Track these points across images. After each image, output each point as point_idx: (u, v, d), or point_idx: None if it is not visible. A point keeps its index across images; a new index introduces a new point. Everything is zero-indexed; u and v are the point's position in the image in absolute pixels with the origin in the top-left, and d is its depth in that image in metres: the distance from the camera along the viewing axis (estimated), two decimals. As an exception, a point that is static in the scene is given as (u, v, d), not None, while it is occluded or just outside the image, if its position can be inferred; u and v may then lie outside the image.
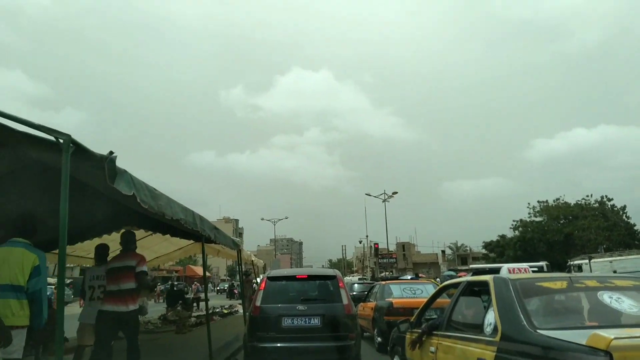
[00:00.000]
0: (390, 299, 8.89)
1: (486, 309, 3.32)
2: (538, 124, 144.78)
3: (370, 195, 34.22)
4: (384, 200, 32.76)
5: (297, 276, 6.49)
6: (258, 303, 5.87)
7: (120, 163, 2.90)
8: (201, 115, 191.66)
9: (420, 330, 4.20)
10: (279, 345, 5.59)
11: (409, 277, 15.43)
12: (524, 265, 3.80)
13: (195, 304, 19.17)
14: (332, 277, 6.26)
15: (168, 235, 6.80)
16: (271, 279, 6.30)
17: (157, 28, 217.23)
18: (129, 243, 5.15)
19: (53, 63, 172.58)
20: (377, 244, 29.46)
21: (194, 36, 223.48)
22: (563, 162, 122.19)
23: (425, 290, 9.50)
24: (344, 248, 78.53)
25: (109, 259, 5.52)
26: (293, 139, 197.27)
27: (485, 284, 3.48)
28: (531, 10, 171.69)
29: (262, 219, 55.49)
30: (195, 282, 21.75)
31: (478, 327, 3.32)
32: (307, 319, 5.68)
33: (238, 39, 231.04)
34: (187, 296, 18.44)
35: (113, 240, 6.17)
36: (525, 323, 2.78)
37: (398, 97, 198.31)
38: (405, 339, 4.65)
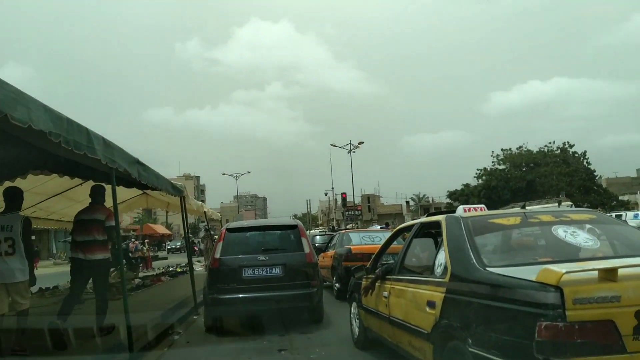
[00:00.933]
0: (349, 246, 8.98)
1: (437, 249, 3.24)
2: (495, 77, 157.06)
3: (335, 146, 34.22)
4: (350, 151, 32.79)
5: (257, 227, 6.49)
6: (217, 255, 5.86)
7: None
8: (156, 69, 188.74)
9: (373, 276, 4.14)
10: (240, 296, 5.64)
11: (378, 227, 15.65)
12: (480, 205, 3.71)
13: (142, 264, 18.88)
14: (293, 227, 6.33)
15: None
16: (230, 230, 6.25)
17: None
18: (97, 196, 5.46)
19: None
20: (344, 193, 29.39)
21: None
22: (518, 114, 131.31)
23: (384, 238, 9.57)
24: (308, 202, 79.97)
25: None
26: (254, 94, 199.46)
27: (437, 224, 3.37)
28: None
29: (224, 174, 54.79)
30: (133, 240, 21.07)
31: (429, 269, 3.26)
32: (268, 269, 5.76)
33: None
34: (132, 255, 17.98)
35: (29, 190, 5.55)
36: (474, 261, 2.67)
37: (360, 49, 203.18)
38: (361, 285, 4.60)
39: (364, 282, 4.54)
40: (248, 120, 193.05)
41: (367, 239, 9.57)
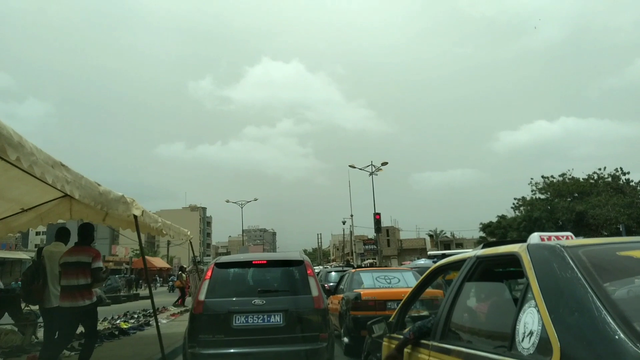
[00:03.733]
0: (359, 290, 7.92)
1: (519, 305, 1.91)
2: (503, 116, 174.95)
3: (354, 167, 32.84)
4: (371, 173, 31.40)
5: (253, 262, 5.96)
6: (202, 297, 5.37)
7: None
8: (169, 106, 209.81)
9: (402, 337, 2.99)
10: (228, 350, 5.11)
11: (422, 261, 13.78)
12: (567, 233, 2.43)
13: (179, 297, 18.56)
14: (298, 263, 5.83)
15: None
16: (220, 265, 5.79)
17: (123, 17, 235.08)
18: (86, 237, 5.86)
19: (14, 52, 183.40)
20: (378, 214, 23.88)
21: (161, 25, 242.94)
22: (527, 153, 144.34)
23: (403, 279, 8.36)
24: (319, 236, 79.23)
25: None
26: (265, 131, 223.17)
27: (511, 259, 2.09)
28: (495, 8, 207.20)
29: (228, 201, 54.39)
30: (123, 274, 20.27)
31: (503, 339, 1.95)
32: (265, 317, 5.25)
33: (206, 28, 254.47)
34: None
35: None
36: (619, 334, 1.43)
37: (369, 89, 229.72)
38: (382, 347, 3.42)
39: (385, 343, 3.36)
40: (259, 156, 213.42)
41: (382, 281, 8.48)
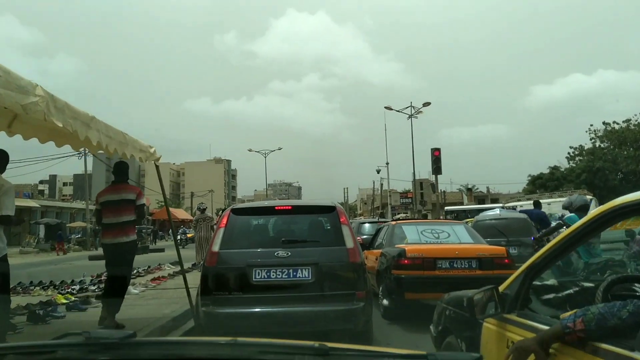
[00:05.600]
0: (402, 245, 7.14)
1: None
2: (537, 70, 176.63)
3: (391, 109, 31.10)
4: (410, 116, 29.84)
5: (276, 207, 5.63)
6: (216, 248, 5.00)
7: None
8: (195, 62, 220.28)
9: (541, 323, 1.98)
10: (247, 310, 4.76)
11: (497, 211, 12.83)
12: None
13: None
14: (330, 210, 5.39)
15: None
16: (237, 211, 5.42)
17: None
18: (122, 174, 6.12)
19: (44, 7, 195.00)
20: (437, 150, 20.16)
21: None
22: (561, 109, 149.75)
23: (454, 233, 7.61)
24: (346, 190, 79.09)
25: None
26: (290, 86, 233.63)
27: None
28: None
29: (250, 150, 53.99)
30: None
31: None
32: (291, 271, 4.85)
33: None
34: None
35: None
36: None
37: (399, 42, 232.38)
38: (484, 331, 2.46)
39: (493, 328, 2.36)
40: (284, 111, 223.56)
41: (429, 235, 7.70)
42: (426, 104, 28.63)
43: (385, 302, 7.07)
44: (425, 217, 29.54)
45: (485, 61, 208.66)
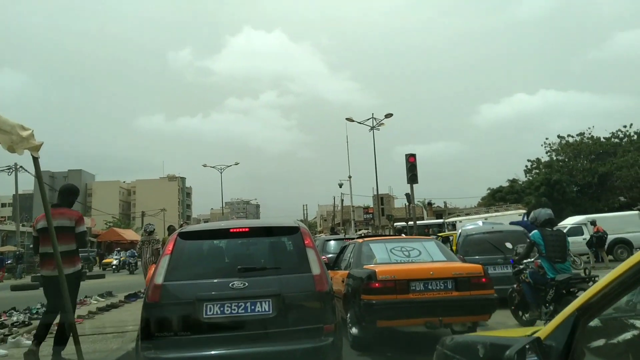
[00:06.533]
0: (372, 266, 6.59)
1: None
2: (484, 89, 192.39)
3: (352, 121, 30.98)
4: (372, 128, 29.75)
5: (231, 230, 4.99)
6: (159, 279, 4.44)
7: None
8: (148, 78, 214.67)
9: None
10: (197, 353, 4.20)
11: (480, 223, 12.22)
12: None
13: None
14: (293, 231, 4.94)
15: None
16: (185, 235, 4.86)
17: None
18: (62, 197, 5.86)
19: None
20: (412, 156, 18.05)
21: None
22: (508, 126, 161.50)
23: (425, 250, 7.14)
24: (305, 207, 78.71)
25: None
26: (247, 103, 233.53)
27: None
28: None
29: (205, 166, 52.58)
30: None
31: None
32: (249, 304, 4.34)
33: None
34: None
35: None
36: None
37: (355, 61, 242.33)
38: None
39: None
40: (241, 128, 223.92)
41: (398, 254, 7.21)
42: (388, 115, 28.64)
43: (354, 330, 6.48)
44: (400, 232, 29.23)
45: (436, 81, 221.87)
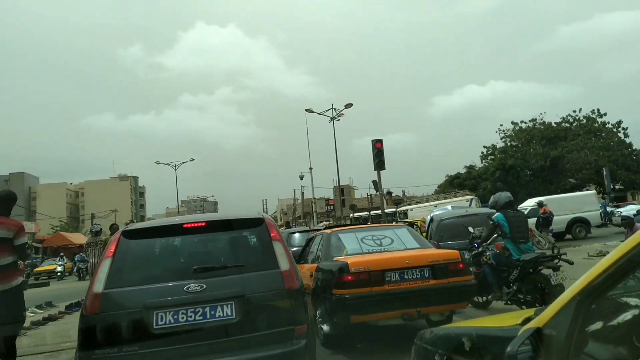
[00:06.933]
0: (343, 257, 6.15)
1: None
2: (437, 81, 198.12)
3: (312, 112, 30.54)
4: (332, 119, 29.45)
5: (184, 225, 4.44)
6: (99, 287, 3.88)
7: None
8: (97, 75, 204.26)
9: None
10: None
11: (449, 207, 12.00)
12: None
13: None
14: (257, 223, 4.44)
15: None
16: (130, 234, 4.30)
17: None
18: (7, 203, 5.47)
19: None
20: (379, 141, 16.78)
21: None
22: (461, 117, 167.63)
23: (398, 238, 6.73)
24: (264, 202, 78.07)
25: None
26: (202, 99, 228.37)
27: None
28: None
29: (159, 163, 50.86)
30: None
31: None
32: (208, 309, 3.83)
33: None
34: None
35: None
36: None
37: (311, 55, 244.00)
38: None
39: None
40: (196, 125, 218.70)
41: (370, 243, 6.81)
42: (348, 105, 28.39)
43: (325, 327, 6.04)
44: (366, 222, 29.00)
45: (391, 74, 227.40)
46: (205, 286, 3.83)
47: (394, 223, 16.03)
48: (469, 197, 27.09)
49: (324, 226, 18.02)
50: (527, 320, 1.81)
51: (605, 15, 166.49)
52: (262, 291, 3.96)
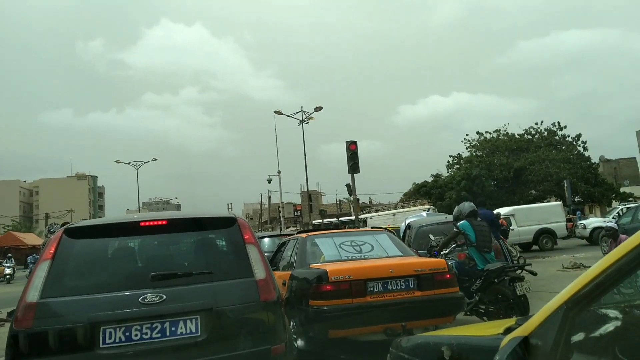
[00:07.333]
0: (320, 265, 5.65)
1: None
2: (402, 91, 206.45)
3: (281, 114, 30.04)
4: (302, 122, 28.98)
5: (141, 224, 3.83)
6: (33, 296, 3.21)
7: None
8: (53, 70, 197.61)
9: None
10: None
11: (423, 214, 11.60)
12: None
13: None
14: (228, 223, 3.85)
15: None
16: (74, 233, 3.63)
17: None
18: None
19: None
20: (353, 143, 16.05)
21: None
22: (426, 126, 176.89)
23: (378, 244, 6.26)
24: (229, 206, 76.99)
25: None
26: (167, 99, 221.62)
27: None
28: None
29: (119, 162, 49.08)
30: None
31: None
32: (167, 325, 3.24)
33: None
34: None
35: None
36: None
37: (279, 59, 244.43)
38: None
39: None
40: (160, 125, 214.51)
41: (350, 249, 6.29)
42: (318, 109, 28.02)
43: (300, 342, 5.44)
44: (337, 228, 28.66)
45: (357, 82, 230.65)
46: (165, 297, 3.28)
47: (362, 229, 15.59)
48: (426, 206, 27.16)
49: (297, 231, 17.57)
50: (509, 329, 1.78)
51: (561, 33, 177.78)
52: (234, 304, 3.41)
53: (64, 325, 3.17)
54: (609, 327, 1.65)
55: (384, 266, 5.37)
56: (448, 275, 5.50)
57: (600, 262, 1.47)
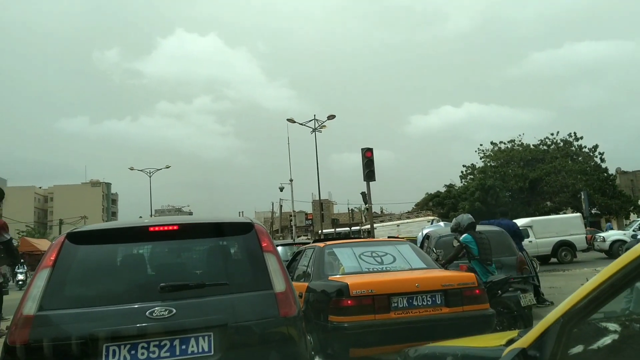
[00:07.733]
0: (340, 277, 5.26)
1: None
2: (414, 101, 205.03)
3: (294, 122, 29.90)
4: (314, 130, 28.83)
5: (151, 229, 3.48)
6: (31, 308, 2.90)
7: None
8: (71, 78, 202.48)
9: None
10: None
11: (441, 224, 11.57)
12: None
13: None
14: (245, 229, 3.50)
15: None
16: (78, 238, 3.31)
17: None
18: None
19: None
20: (369, 150, 15.73)
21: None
22: (437, 136, 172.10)
23: (401, 255, 5.87)
24: (241, 214, 77.09)
25: None
26: (180, 107, 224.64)
27: None
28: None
29: (132, 169, 49.34)
30: None
31: None
32: (177, 343, 2.93)
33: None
34: None
35: None
36: None
37: (291, 69, 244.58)
38: None
39: None
40: (173, 133, 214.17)
41: (370, 260, 5.89)
42: (331, 117, 27.87)
43: (317, 360, 5.05)
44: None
45: (369, 92, 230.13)
46: (175, 311, 2.97)
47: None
48: (431, 217, 26.86)
49: (312, 240, 17.27)
50: (511, 341, 1.86)
51: (575, 44, 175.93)
52: (250, 319, 3.08)
53: (62, 341, 2.86)
54: (606, 340, 1.69)
55: (409, 280, 4.98)
56: (478, 291, 5.09)
57: (595, 277, 1.52)
